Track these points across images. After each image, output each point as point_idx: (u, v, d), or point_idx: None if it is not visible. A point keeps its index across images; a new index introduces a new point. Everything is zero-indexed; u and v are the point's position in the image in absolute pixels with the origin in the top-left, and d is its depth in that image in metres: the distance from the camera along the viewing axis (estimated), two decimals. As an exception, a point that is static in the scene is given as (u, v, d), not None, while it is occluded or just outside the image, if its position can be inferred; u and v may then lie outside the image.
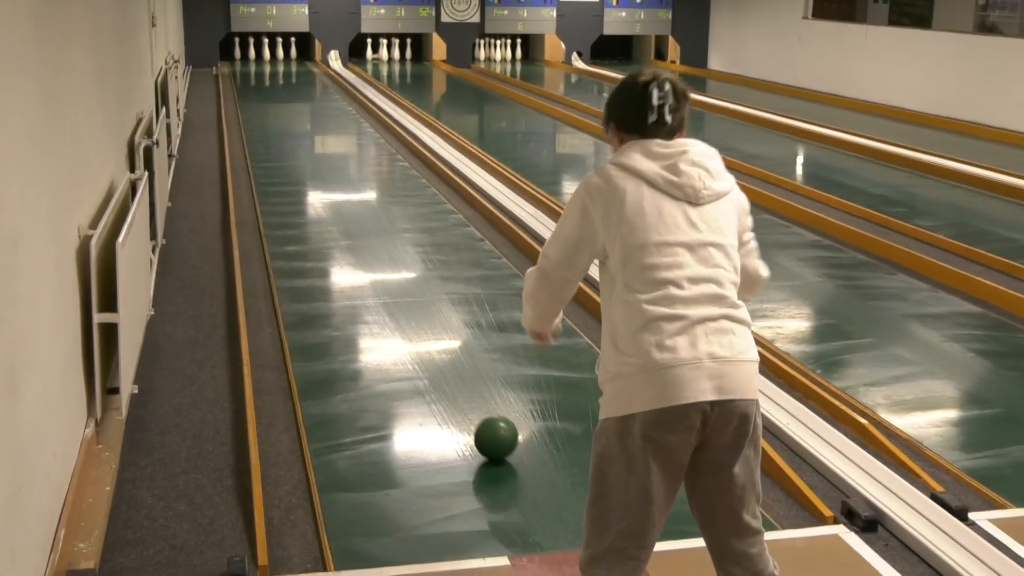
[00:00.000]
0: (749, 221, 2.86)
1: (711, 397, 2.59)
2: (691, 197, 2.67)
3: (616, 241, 2.65)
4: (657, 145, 2.72)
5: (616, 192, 2.67)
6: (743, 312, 2.70)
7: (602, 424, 2.72)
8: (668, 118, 2.73)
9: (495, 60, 23.22)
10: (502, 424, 4.39)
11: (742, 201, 2.82)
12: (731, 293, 2.67)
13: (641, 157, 2.70)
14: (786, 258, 7.66)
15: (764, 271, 2.98)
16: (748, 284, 2.88)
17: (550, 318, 3.01)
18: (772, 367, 5.41)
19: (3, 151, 3.06)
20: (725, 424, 2.63)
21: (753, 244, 2.91)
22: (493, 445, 4.34)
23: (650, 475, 2.64)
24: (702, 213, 2.67)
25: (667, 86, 2.73)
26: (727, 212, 2.72)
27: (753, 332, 4.90)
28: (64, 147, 4.19)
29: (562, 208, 8.68)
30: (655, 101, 2.72)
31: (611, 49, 23.96)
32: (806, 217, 8.73)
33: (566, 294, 2.90)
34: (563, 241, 2.79)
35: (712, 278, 2.64)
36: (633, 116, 2.76)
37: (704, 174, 2.69)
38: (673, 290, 2.60)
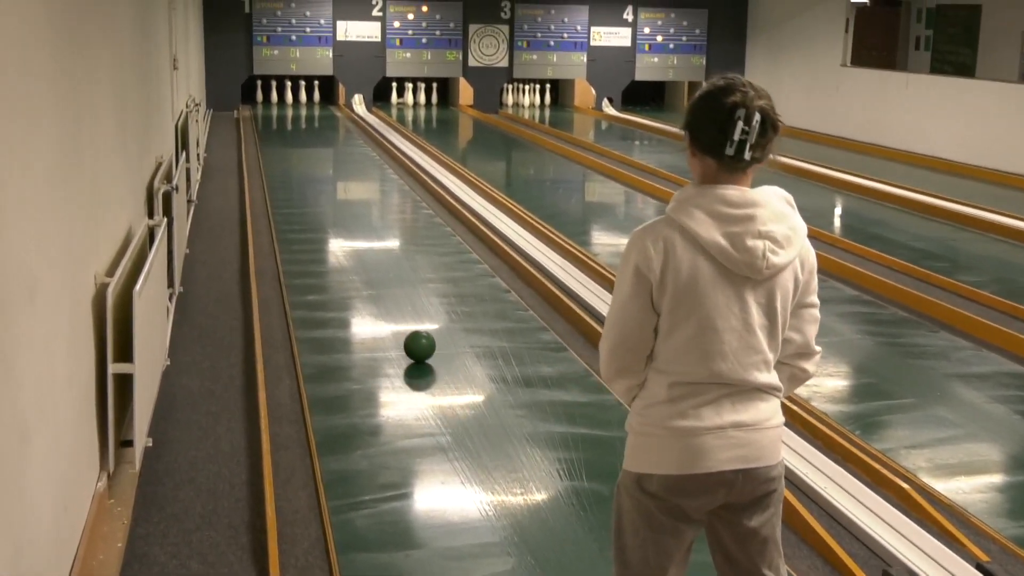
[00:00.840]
0: (814, 284, 2.71)
1: (735, 466, 2.61)
2: (749, 274, 2.57)
3: (662, 311, 2.61)
4: (725, 203, 2.57)
5: (671, 260, 2.56)
6: (774, 378, 2.67)
7: (622, 476, 2.74)
8: (747, 155, 2.57)
9: (523, 105, 23.36)
10: (423, 339, 6.28)
11: (809, 262, 2.68)
12: (767, 374, 2.65)
13: (705, 218, 2.57)
14: (823, 314, 7.54)
15: (812, 362, 2.77)
16: (794, 357, 2.73)
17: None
18: (809, 428, 5.37)
19: (22, 197, 3.09)
20: (749, 490, 2.66)
21: (814, 313, 2.74)
22: (416, 352, 6.23)
23: (666, 531, 2.67)
24: (757, 291, 2.59)
25: (756, 119, 2.54)
26: (785, 283, 2.62)
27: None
28: (82, 192, 4.24)
29: (591, 259, 8.72)
30: (737, 135, 2.54)
31: (643, 95, 24.08)
32: (844, 271, 8.71)
33: (642, 367, 2.69)
34: (618, 317, 2.66)
35: (752, 364, 2.61)
36: (710, 139, 2.59)
37: (769, 247, 2.56)
38: (708, 373, 2.59)
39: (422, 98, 22.84)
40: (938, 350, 6.98)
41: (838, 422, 5.51)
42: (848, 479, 4.76)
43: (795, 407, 5.51)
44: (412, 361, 6.23)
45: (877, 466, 4.89)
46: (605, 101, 23.30)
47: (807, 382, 2.84)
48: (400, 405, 5.72)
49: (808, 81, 20.60)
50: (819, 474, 4.80)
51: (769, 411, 2.66)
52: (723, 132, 2.56)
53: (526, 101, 23.44)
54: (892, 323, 7.58)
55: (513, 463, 4.90)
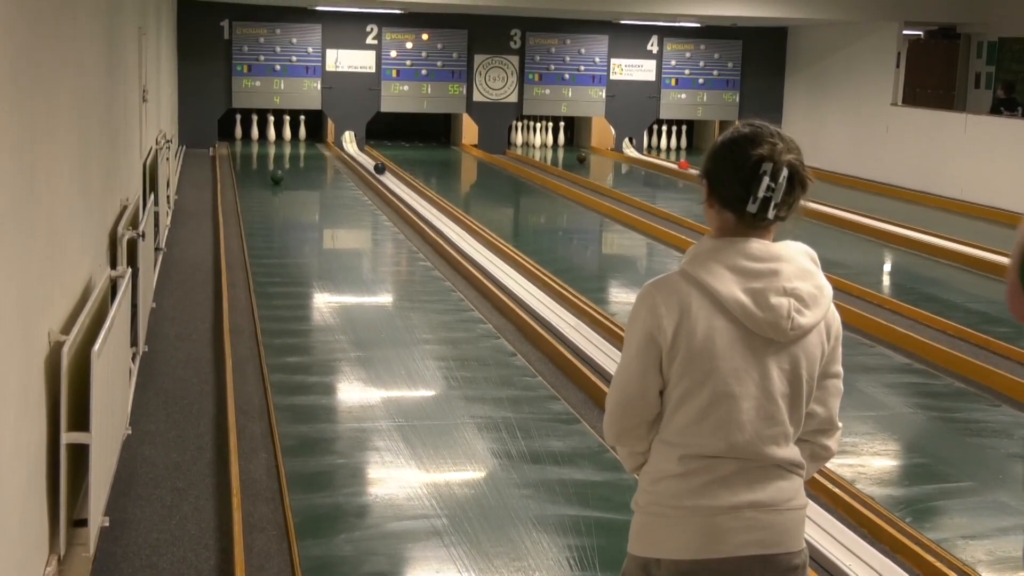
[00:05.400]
0: (839, 352, 2.74)
1: (752, 551, 2.61)
2: (772, 336, 2.59)
3: (672, 375, 2.64)
4: (746, 257, 2.60)
5: (685, 320, 2.59)
6: (796, 453, 2.68)
7: (627, 562, 2.75)
8: (771, 213, 2.60)
9: (534, 146, 23.50)
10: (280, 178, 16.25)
11: (834, 327, 2.71)
12: (787, 449, 2.66)
13: (724, 272, 2.60)
14: (870, 384, 7.62)
15: (834, 439, 2.77)
16: (816, 433, 2.74)
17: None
18: (853, 514, 5.35)
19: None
20: None
21: (838, 384, 2.76)
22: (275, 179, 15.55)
23: None
24: (780, 356, 2.61)
25: (783, 174, 2.58)
26: (811, 348, 2.64)
27: (830, 471, 4.83)
28: (37, 238, 4.25)
29: (608, 318, 8.73)
30: (761, 192, 2.58)
31: (668, 136, 24.19)
32: (894, 336, 8.70)
33: (644, 433, 2.74)
34: (622, 379, 2.71)
35: (771, 437, 2.63)
36: (731, 194, 2.62)
37: (795, 306, 2.59)
38: (723, 446, 2.61)
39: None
40: (1000, 426, 6.96)
41: (886, 508, 5.48)
42: (897, 573, 4.73)
43: (838, 490, 5.49)
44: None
45: (931, 558, 4.86)
46: (625, 142, 23.41)
47: (839, 461, 2.85)
48: (390, 482, 5.70)
49: (854, 122, 20.70)
50: (864, 567, 4.78)
51: (790, 491, 2.66)
52: (746, 187, 2.60)
53: (537, 141, 23.59)
54: (947, 395, 7.56)
55: (517, 549, 4.88)
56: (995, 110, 18.84)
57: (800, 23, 22.09)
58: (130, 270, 6.48)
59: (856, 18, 20.08)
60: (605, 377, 7.30)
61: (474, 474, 5.83)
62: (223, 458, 5.86)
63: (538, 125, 23.66)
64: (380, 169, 16.83)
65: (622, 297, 10.55)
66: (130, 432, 6.05)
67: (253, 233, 12.52)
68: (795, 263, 2.64)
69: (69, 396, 4.32)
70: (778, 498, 2.63)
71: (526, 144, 23.52)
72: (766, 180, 2.58)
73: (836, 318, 2.73)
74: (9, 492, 3.63)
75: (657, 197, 17.00)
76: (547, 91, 23.14)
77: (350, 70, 22.16)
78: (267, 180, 17.20)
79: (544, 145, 23.59)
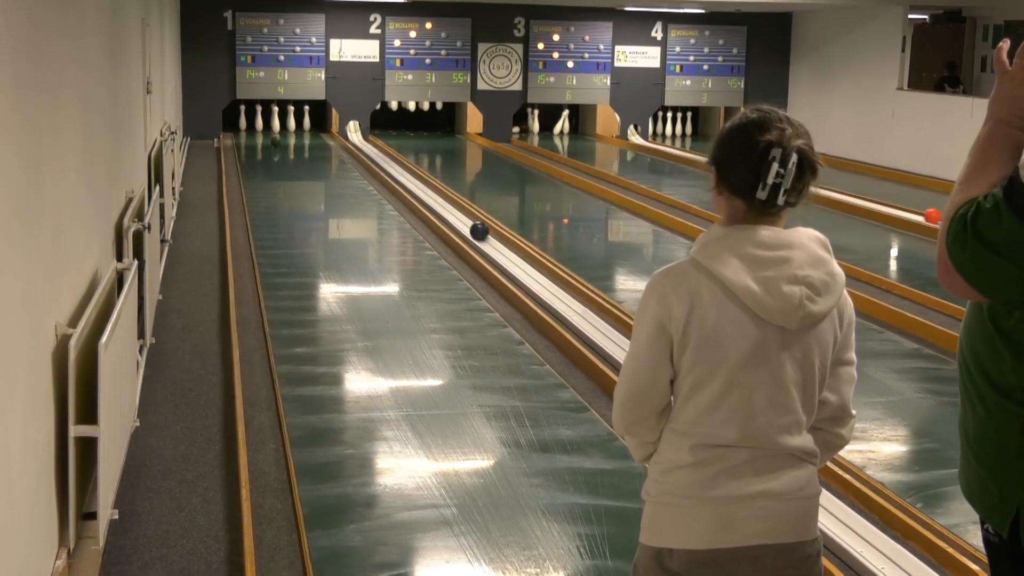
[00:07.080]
0: (852, 338, 2.73)
1: (765, 540, 2.60)
2: (783, 324, 2.57)
3: (683, 365, 2.63)
4: (756, 245, 2.58)
5: (696, 310, 2.57)
6: (808, 441, 2.67)
7: (639, 552, 2.74)
8: (781, 200, 2.58)
9: (539, 133, 23.46)
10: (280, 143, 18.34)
11: (847, 314, 2.70)
12: (800, 437, 2.65)
13: (734, 261, 2.57)
14: (879, 369, 7.60)
15: (848, 427, 2.76)
16: (829, 421, 2.73)
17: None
18: (864, 500, 5.34)
19: (-26, 238, 3.10)
20: (781, 569, 2.64)
21: (851, 371, 2.75)
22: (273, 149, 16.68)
23: None
24: (792, 344, 2.59)
25: (792, 160, 2.56)
26: (823, 336, 2.63)
27: (840, 457, 4.81)
28: (43, 231, 4.25)
29: (616, 306, 8.72)
30: (771, 178, 2.56)
31: (673, 123, 24.16)
32: (902, 321, 8.68)
33: (655, 423, 2.71)
34: (631, 368, 2.70)
35: (784, 426, 2.62)
36: (740, 180, 2.60)
37: (806, 294, 2.57)
38: (736, 436, 2.60)
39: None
40: (1010, 411, 6.93)
41: (897, 493, 5.48)
42: (909, 559, 4.72)
43: (848, 476, 5.48)
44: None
45: (942, 544, 4.85)
46: (631, 129, 23.39)
47: (849, 448, 2.83)
48: (399, 472, 5.70)
49: (860, 106, 20.66)
50: (875, 553, 4.77)
51: (803, 479, 2.65)
52: (755, 174, 2.58)
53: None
54: (957, 380, 7.52)
55: (527, 539, 4.87)
56: (939, 87, 19.00)
57: (805, 8, 22.03)
58: (136, 262, 6.47)
59: (861, 2, 20.03)
60: (613, 365, 7.29)
61: (483, 463, 5.83)
62: (231, 449, 5.86)
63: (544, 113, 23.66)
64: (480, 233, 11.74)
65: (629, 285, 10.54)
66: (138, 424, 6.05)
67: (259, 224, 12.52)
68: (806, 250, 2.62)
69: (77, 389, 4.32)
70: (791, 487, 2.62)
71: (531, 132, 23.50)
72: (775, 166, 2.56)
73: (849, 304, 2.71)
74: (18, 486, 3.63)
75: (663, 184, 16.97)
76: (552, 79, 23.10)
77: (354, 60, 22.13)
78: (272, 174, 17.21)
79: (549, 132, 23.55)
